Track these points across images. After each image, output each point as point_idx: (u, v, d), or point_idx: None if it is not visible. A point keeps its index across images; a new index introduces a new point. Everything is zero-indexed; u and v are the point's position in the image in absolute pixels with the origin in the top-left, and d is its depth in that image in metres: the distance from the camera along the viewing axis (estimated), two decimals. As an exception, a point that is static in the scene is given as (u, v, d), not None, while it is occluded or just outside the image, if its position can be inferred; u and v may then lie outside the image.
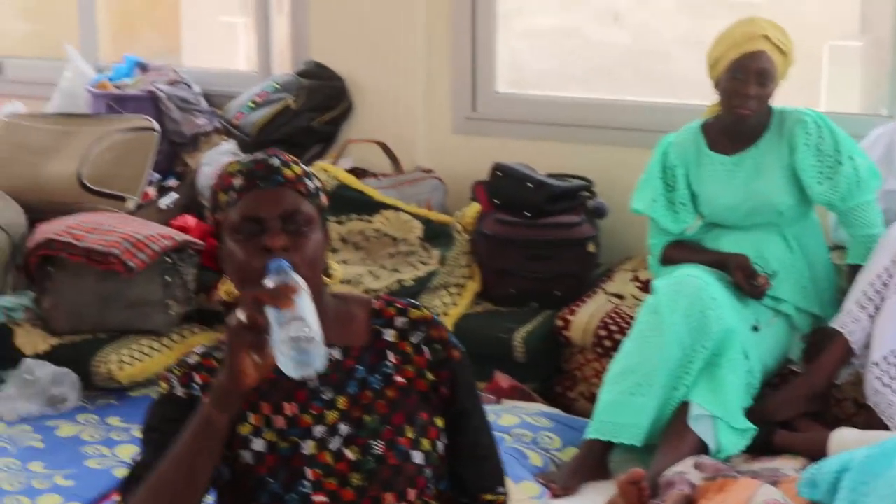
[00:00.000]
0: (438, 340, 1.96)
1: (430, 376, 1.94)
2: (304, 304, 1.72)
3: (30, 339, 4.08)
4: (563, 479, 3.21)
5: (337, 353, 1.91)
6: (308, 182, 1.90)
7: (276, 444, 1.87)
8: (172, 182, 4.76)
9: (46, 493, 3.32)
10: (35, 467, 3.49)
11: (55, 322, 4.11)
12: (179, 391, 1.91)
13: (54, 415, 3.85)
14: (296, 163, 1.91)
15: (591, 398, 3.61)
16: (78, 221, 4.19)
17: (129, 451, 3.56)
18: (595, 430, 3.28)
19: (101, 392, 3.97)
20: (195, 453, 1.77)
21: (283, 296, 1.70)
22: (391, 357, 1.94)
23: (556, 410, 3.59)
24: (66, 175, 4.60)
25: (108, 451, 3.59)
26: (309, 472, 1.85)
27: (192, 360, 1.94)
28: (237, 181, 1.87)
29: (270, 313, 1.70)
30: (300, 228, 1.85)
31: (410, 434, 1.89)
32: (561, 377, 3.78)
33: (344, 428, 1.88)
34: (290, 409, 1.89)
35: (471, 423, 1.97)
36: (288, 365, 1.69)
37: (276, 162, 1.89)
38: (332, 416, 1.88)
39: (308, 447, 1.87)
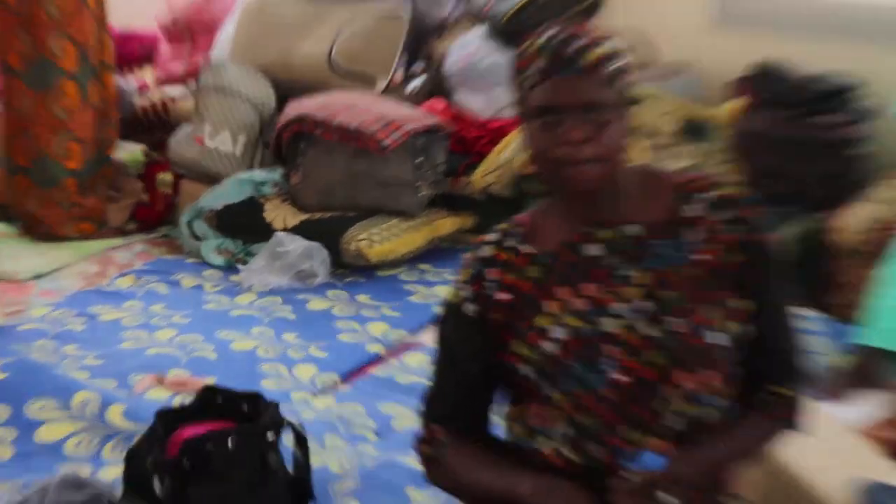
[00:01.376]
0: (746, 221, 1.81)
1: (734, 257, 1.80)
2: None
3: (279, 214, 4.10)
4: (834, 384, 3.09)
5: (638, 229, 1.82)
6: (610, 67, 1.76)
7: (577, 328, 1.80)
8: (418, 67, 4.72)
9: (302, 363, 3.36)
10: (289, 337, 3.53)
11: (305, 198, 4.13)
12: (469, 309, 1.86)
13: (303, 289, 3.88)
14: (598, 44, 1.76)
15: (858, 305, 3.47)
16: (331, 99, 4.19)
17: (381, 329, 3.58)
18: (871, 336, 3.13)
19: (348, 270, 3.98)
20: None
21: None
22: (695, 234, 1.81)
23: (821, 315, 3.46)
24: (316, 55, 4.61)
25: (360, 326, 3.60)
26: (611, 351, 1.78)
27: (486, 252, 1.88)
28: (538, 63, 1.76)
29: None
30: (600, 118, 1.74)
31: (713, 315, 1.77)
32: (825, 282, 3.63)
33: (645, 304, 1.78)
34: (589, 289, 1.81)
35: (766, 312, 1.83)
36: None
37: (578, 45, 1.75)
38: (632, 292, 1.79)
39: (609, 325, 1.78)
